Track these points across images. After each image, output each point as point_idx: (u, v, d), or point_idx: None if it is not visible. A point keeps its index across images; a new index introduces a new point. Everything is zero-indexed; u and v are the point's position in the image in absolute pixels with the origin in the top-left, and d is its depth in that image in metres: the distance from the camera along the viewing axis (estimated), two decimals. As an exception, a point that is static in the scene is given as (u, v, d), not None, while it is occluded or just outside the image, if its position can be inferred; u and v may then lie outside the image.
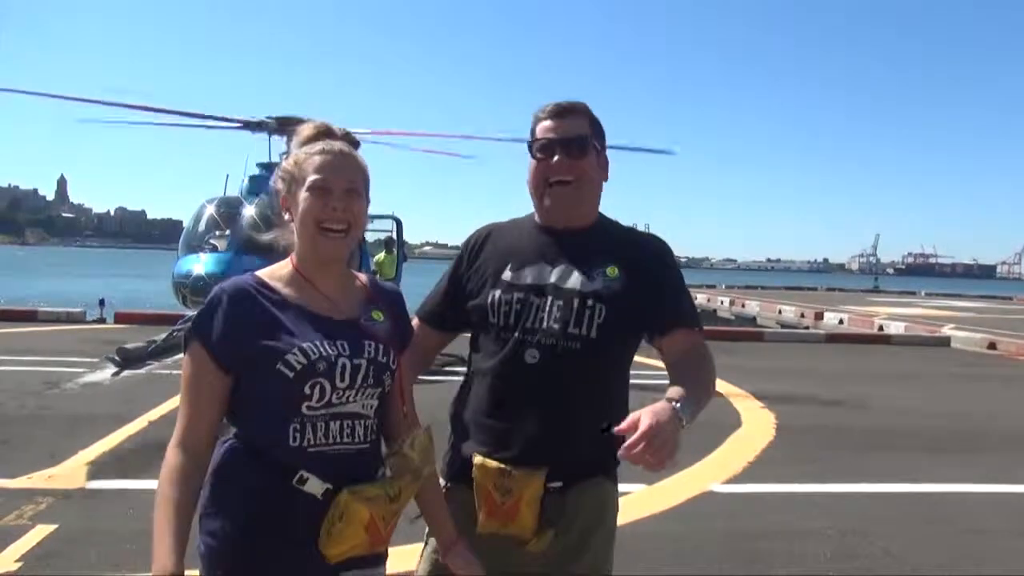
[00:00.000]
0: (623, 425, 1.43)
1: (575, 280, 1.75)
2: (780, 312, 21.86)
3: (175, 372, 8.75)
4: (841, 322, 18.71)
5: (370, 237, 12.80)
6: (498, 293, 1.77)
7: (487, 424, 1.76)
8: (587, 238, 1.81)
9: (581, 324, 1.71)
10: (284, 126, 11.61)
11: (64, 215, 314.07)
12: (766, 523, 4.46)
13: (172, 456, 1.48)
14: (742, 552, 3.99)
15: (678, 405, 1.52)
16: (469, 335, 1.91)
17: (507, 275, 1.79)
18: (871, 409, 8.11)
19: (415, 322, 1.88)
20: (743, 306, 24.84)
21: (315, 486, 1.48)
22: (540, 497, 1.67)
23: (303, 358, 1.48)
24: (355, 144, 1.64)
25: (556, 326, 1.71)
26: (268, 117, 11.62)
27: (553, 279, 1.76)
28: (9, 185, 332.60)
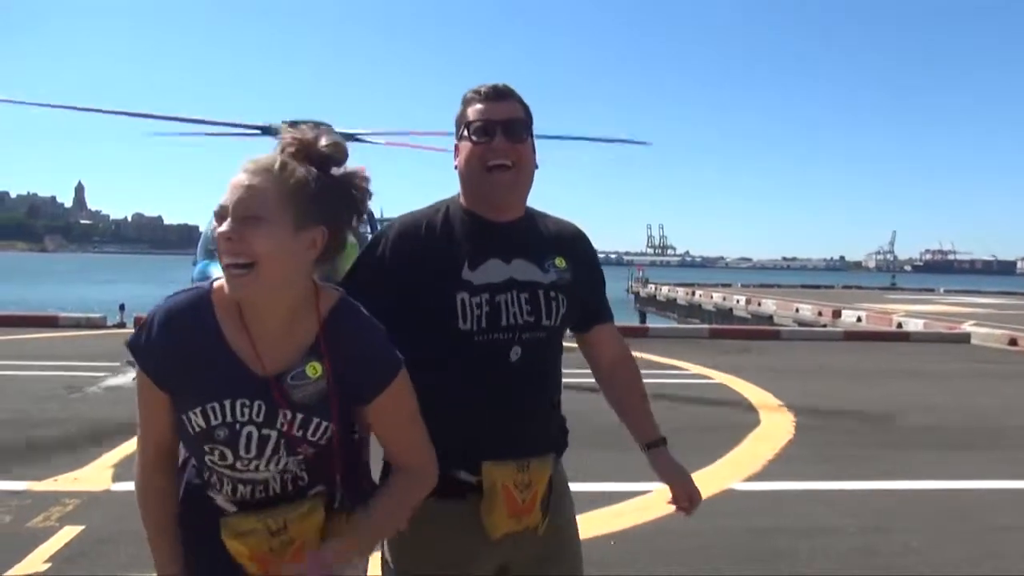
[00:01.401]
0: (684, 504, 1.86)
1: (532, 273, 1.74)
2: (797, 310, 21.75)
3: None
4: (859, 320, 18.60)
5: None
6: (466, 296, 1.66)
7: (483, 429, 1.68)
8: (528, 229, 1.79)
9: (551, 315, 1.74)
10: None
11: (82, 222, 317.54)
12: (787, 520, 4.46)
13: (135, 472, 1.48)
14: (764, 549, 3.99)
15: (668, 446, 1.88)
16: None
17: (467, 274, 1.68)
18: (891, 407, 8.05)
19: None
20: (759, 305, 24.72)
21: (226, 505, 1.45)
22: (549, 482, 1.74)
23: (202, 421, 1.36)
24: (321, 159, 1.38)
25: (531, 319, 1.71)
26: (284, 121, 11.69)
27: (512, 274, 1.72)
28: (28, 192, 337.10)
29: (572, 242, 1.86)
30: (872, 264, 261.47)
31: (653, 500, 4.53)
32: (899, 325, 16.86)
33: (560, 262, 1.78)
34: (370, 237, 7.75)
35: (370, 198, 1.47)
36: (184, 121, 11.78)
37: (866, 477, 5.36)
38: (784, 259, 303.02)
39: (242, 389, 1.35)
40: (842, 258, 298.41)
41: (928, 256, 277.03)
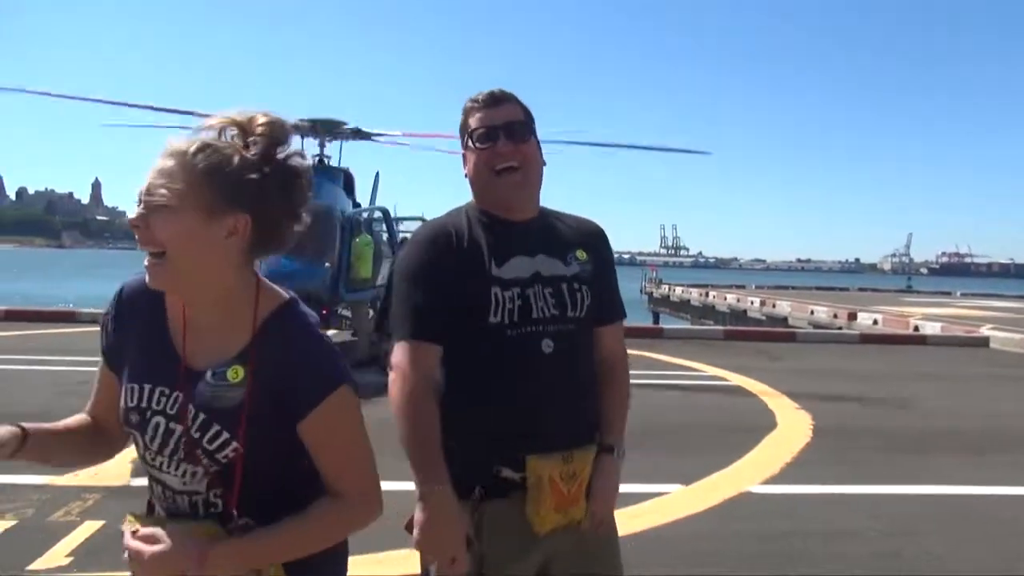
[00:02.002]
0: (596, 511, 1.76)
1: (556, 267, 1.79)
2: (812, 312, 21.61)
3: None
4: (875, 322, 18.46)
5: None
6: (497, 290, 1.71)
7: (523, 422, 1.70)
8: (546, 225, 1.84)
9: (576, 307, 1.78)
10: (317, 129, 11.73)
11: (99, 218, 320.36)
12: (805, 523, 4.43)
13: None
14: (782, 552, 3.96)
15: (620, 458, 1.82)
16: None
17: (495, 271, 1.73)
18: (909, 410, 8.00)
19: (406, 348, 1.68)
20: (774, 306, 24.59)
21: (157, 505, 1.36)
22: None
23: (123, 401, 1.32)
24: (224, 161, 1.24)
25: (557, 312, 1.75)
26: (301, 119, 11.74)
27: (537, 269, 1.77)
28: (46, 189, 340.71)
29: (592, 236, 1.91)
30: (888, 266, 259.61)
31: (670, 502, 4.52)
32: (916, 328, 16.72)
33: (581, 254, 1.83)
34: (386, 235, 7.80)
35: (307, 184, 1.32)
36: (201, 117, 11.84)
37: (885, 481, 5.32)
38: (799, 261, 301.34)
39: (164, 377, 1.29)
40: (857, 260, 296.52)
41: (945, 259, 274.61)
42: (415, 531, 1.61)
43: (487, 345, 1.70)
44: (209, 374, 1.26)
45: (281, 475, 1.30)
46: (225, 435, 1.24)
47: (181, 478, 1.28)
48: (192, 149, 1.22)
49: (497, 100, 1.78)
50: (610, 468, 1.79)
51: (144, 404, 1.29)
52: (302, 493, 1.30)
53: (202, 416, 1.25)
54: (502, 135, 1.75)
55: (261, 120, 1.27)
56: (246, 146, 1.25)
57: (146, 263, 1.24)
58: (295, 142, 1.33)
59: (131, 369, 1.33)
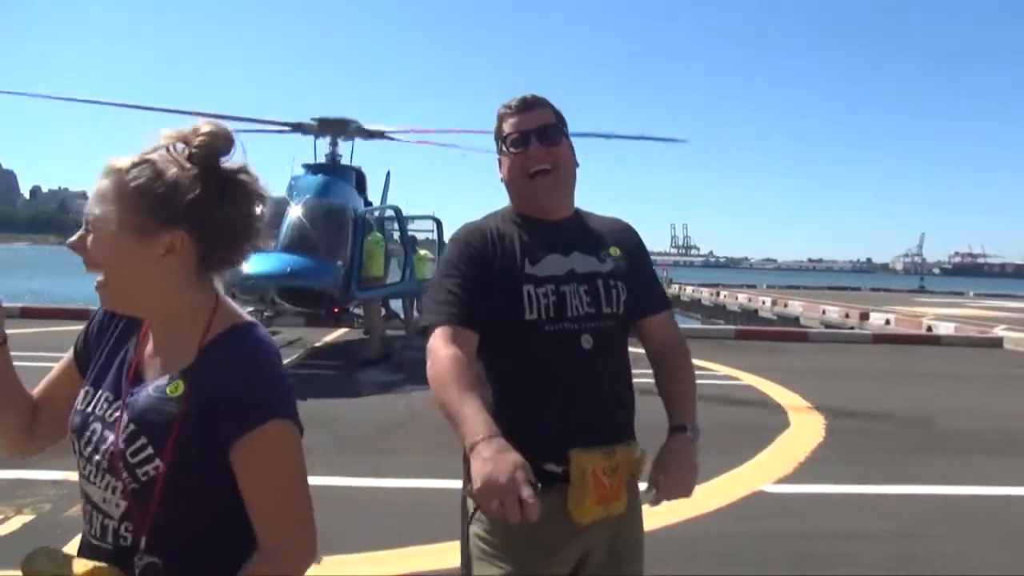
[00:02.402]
0: (663, 480, 1.76)
1: (591, 264, 1.83)
2: (824, 312, 21.50)
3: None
4: (888, 322, 18.35)
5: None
6: (531, 287, 1.76)
7: (567, 418, 1.73)
8: (579, 224, 1.90)
9: (612, 303, 1.81)
10: (328, 128, 11.77)
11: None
12: (819, 524, 4.42)
13: None
14: (796, 552, 3.96)
15: (695, 436, 1.82)
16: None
17: (529, 269, 1.78)
18: (923, 411, 7.95)
19: (444, 333, 1.69)
20: (785, 306, 24.48)
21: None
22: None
23: (76, 402, 1.29)
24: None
25: (592, 310, 1.78)
26: (313, 119, 11.79)
27: (572, 266, 1.81)
28: (59, 187, 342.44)
29: (623, 233, 1.96)
30: (900, 266, 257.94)
31: (682, 501, 4.50)
32: (929, 328, 16.61)
33: (615, 251, 1.88)
34: (397, 234, 7.75)
35: (255, 195, 1.25)
36: (216, 117, 11.91)
37: (899, 481, 5.30)
38: (810, 260, 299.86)
39: (114, 385, 1.26)
40: (869, 260, 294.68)
41: (957, 259, 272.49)
42: (474, 482, 1.48)
43: (526, 342, 1.75)
44: (152, 387, 1.22)
45: (201, 512, 1.21)
46: (149, 450, 1.17)
47: (103, 492, 1.22)
48: (127, 166, 1.19)
49: (529, 105, 1.84)
50: (686, 446, 1.80)
51: (89, 409, 1.26)
52: (223, 543, 1.21)
53: (132, 427, 1.19)
54: (534, 139, 1.80)
55: (202, 130, 1.22)
56: (189, 159, 1.21)
57: (95, 286, 1.22)
58: (241, 152, 1.26)
59: (93, 372, 1.31)
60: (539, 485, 1.47)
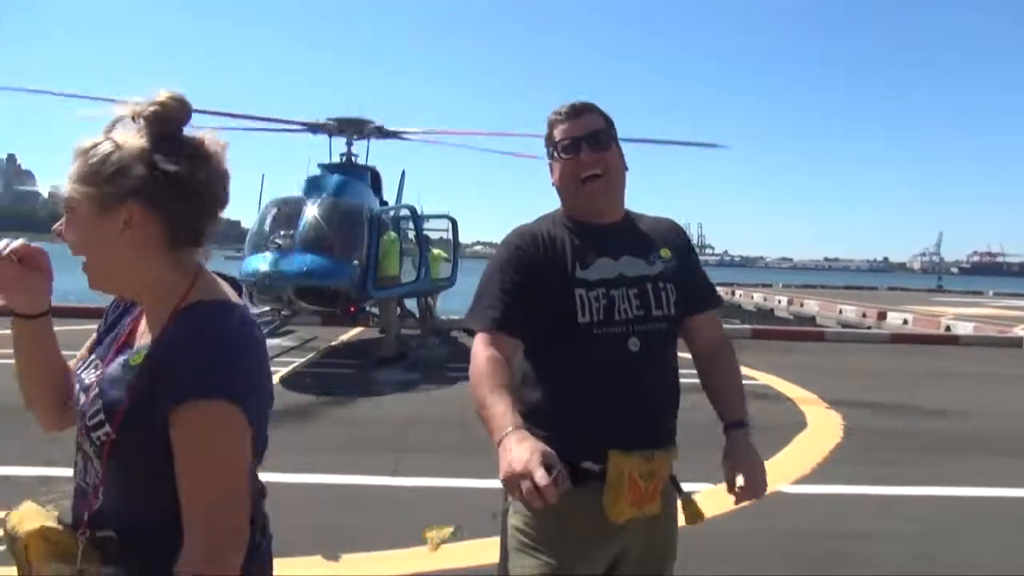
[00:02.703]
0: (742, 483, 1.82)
1: (640, 267, 1.86)
2: (841, 312, 21.36)
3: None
4: (905, 322, 18.20)
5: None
6: (583, 291, 1.79)
7: (608, 418, 1.77)
8: (629, 228, 1.94)
9: (662, 305, 1.84)
10: (345, 127, 11.81)
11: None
12: (838, 524, 4.40)
13: None
14: (815, 553, 3.94)
15: (751, 432, 1.87)
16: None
17: (580, 273, 1.81)
18: (942, 411, 7.88)
19: (484, 337, 1.74)
20: (802, 305, 24.35)
21: None
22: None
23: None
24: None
25: (641, 312, 1.81)
26: (329, 119, 11.84)
27: (622, 270, 1.84)
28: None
29: (672, 233, 1.99)
30: (917, 266, 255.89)
31: (702, 500, 4.49)
32: (948, 328, 16.47)
33: (665, 252, 1.91)
34: (413, 233, 7.75)
35: (209, 162, 1.22)
36: (233, 117, 12.00)
37: (919, 482, 5.25)
38: (826, 259, 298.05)
39: (104, 353, 1.30)
40: (886, 259, 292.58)
41: (976, 258, 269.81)
42: (501, 472, 1.50)
43: (575, 344, 1.78)
44: (123, 356, 1.24)
45: (157, 492, 1.15)
46: (102, 415, 1.19)
47: (79, 455, 1.26)
48: (87, 145, 1.19)
49: (579, 112, 1.88)
50: (747, 443, 1.86)
51: (81, 374, 1.29)
52: (167, 530, 1.14)
53: (95, 391, 1.21)
54: (585, 145, 1.84)
55: (154, 101, 1.20)
56: (149, 132, 1.20)
57: (81, 268, 1.24)
58: (204, 124, 1.25)
59: (98, 344, 1.35)
60: (560, 468, 1.47)
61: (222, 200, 1.25)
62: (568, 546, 1.74)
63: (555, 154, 1.89)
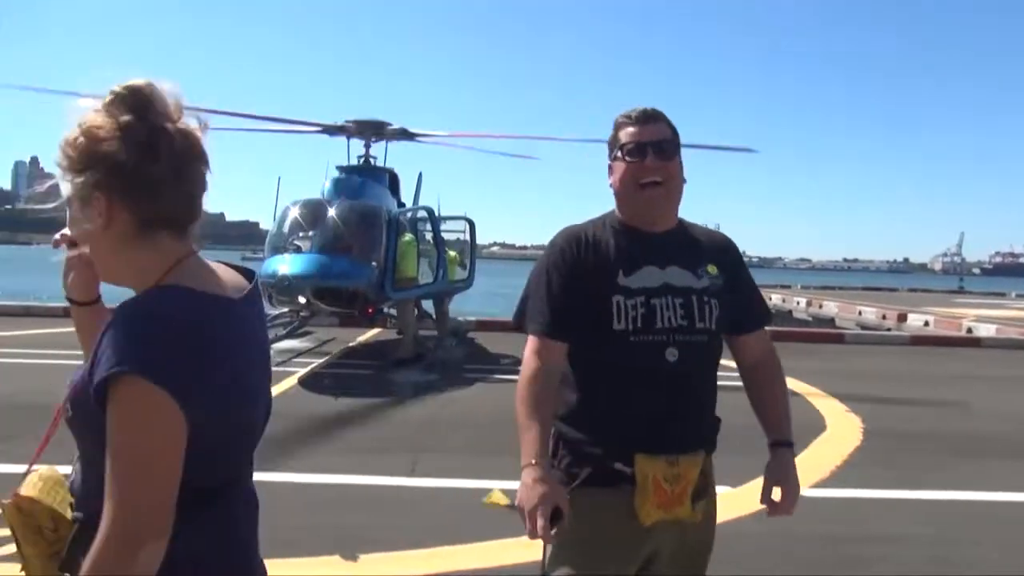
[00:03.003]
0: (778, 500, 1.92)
1: (686, 279, 1.87)
2: (860, 313, 21.18)
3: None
4: (926, 324, 18.01)
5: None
6: (621, 299, 1.81)
7: (638, 423, 1.81)
8: (679, 239, 1.94)
9: (704, 318, 1.85)
10: (363, 129, 11.87)
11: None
12: (856, 527, 4.38)
13: None
14: (833, 556, 3.93)
15: (793, 448, 1.96)
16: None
17: (622, 280, 1.83)
18: (963, 414, 7.82)
19: (534, 343, 1.85)
20: (820, 307, 24.16)
21: None
22: (698, 477, 1.85)
23: None
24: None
25: (684, 323, 1.83)
26: (347, 121, 11.90)
27: (667, 280, 1.85)
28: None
29: (723, 251, 2.01)
30: (938, 267, 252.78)
31: (720, 503, 4.48)
32: (969, 330, 16.29)
33: (712, 269, 1.92)
34: (430, 234, 7.80)
35: (172, 143, 1.19)
36: (251, 118, 12.09)
37: (938, 486, 5.22)
38: (845, 260, 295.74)
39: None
40: (906, 260, 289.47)
41: (998, 259, 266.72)
42: (516, 498, 1.73)
43: (612, 350, 1.82)
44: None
45: (100, 476, 1.11)
46: (67, 394, 1.19)
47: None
48: (66, 137, 1.19)
49: (649, 118, 1.90)
50: (792, 464, 1.93)
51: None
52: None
53: (77, 375, 1.19)
54: (651, 151, 1.86)
55: (112, 90, 1.18)
56: (109, 119, 1.18)
57: None
58: (165, 105, 1.21)
59: None
60: (564, 517, 1.68)
61: (192, 183, 1.22)
62: (600, 546, 1.79)
63: (619, 156, 1.90)
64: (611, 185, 1.94)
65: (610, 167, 1.94)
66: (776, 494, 1.91)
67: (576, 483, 1.82)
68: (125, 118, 1.17)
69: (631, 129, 1.89)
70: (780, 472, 1.92)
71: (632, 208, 1.90)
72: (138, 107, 1.18)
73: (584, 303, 1.82)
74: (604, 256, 1.86)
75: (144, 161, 1.16)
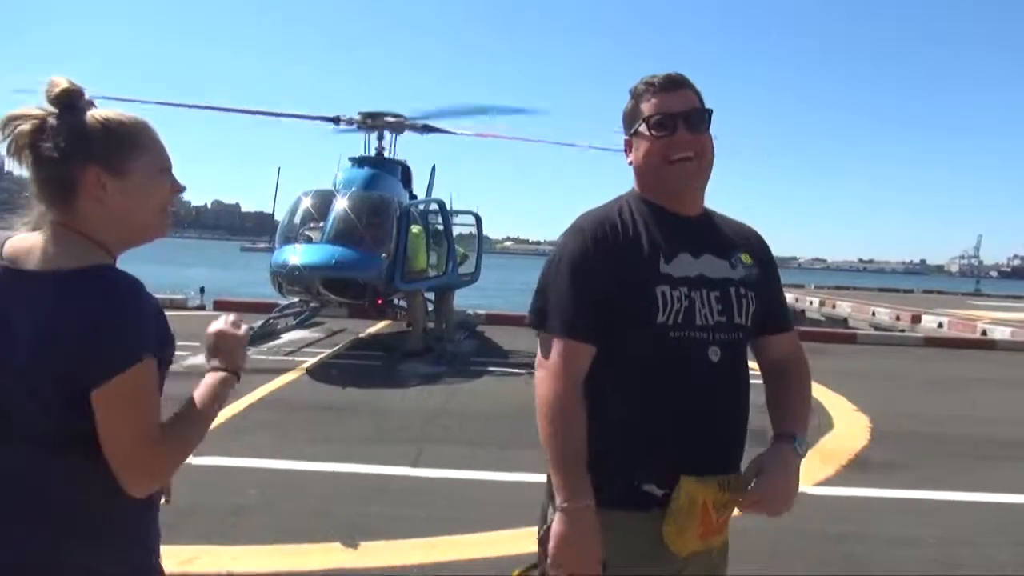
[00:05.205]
0: (758, 487, 1.59)
1: (722, 269, 1.66)
2: (873, 314, 21.00)
3: (270, 358, 9.12)
4: (940, 326, 17.83)
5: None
6: (666, 288, 1.58)
7: (679, 437, 1.57)
8: (710, 224, 1.73)
9: (742, 313, 1.66)
10: (373, 121, 11.86)
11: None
12: (863, 528, 4.34)
13: None
14: (838, 556, 3.90)
15: (800, 448, 1.65)
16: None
17: (664, 268, 1.60)
18: (973, 416, 7.73)
19: (557, 347, 1.56)
20: (834, 307, 23.99)
21: None
22: None
23: None
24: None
25: (723, 319, 1.62)
26: (358, 113, 11.91)
27: (703, 270, 1.64)
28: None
29: (755, 241, 1.79)
30: (955, 268, 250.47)
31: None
32: (984, 332, 16.13)
33: (746, 258, 1.71)
34: (441, 227, 7.75)
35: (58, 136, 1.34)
36: (259, 115, 12.15)
37: (946, 487, 5.17)
38: (860, 261, 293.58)
39: None
40: (923, 261, 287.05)
41: (1017, 261, 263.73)
42: (552, 544, 1.50)
43: (651, 347, 1.57)
44: None
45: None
46: None
47: None
48: None
49: (676, 84, 1.66)
50: (790, 460, 1.63)
51: None
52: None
53: None
54: (681, 123, 1.63)
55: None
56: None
57: None
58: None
59: None
60: (608, 567, 1.49)
61: (54, 166, 1.34)
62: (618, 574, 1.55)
63: (643, 129, 1.65)
64: (630, 163, 1.70)
65: (628, 143, 1.71)
66: (761, 487, 1.60)
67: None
68: (53, 113, 1.34)
69: (655, 99, 1.64)
70: (772, 464, 1.61)
71: (660, 186, 1.66)
72: (58, 101, 1.34)
73: (617, 297, 1.57)
74: (641, 240, 1.61)
75: (54, 153, 1.32)
